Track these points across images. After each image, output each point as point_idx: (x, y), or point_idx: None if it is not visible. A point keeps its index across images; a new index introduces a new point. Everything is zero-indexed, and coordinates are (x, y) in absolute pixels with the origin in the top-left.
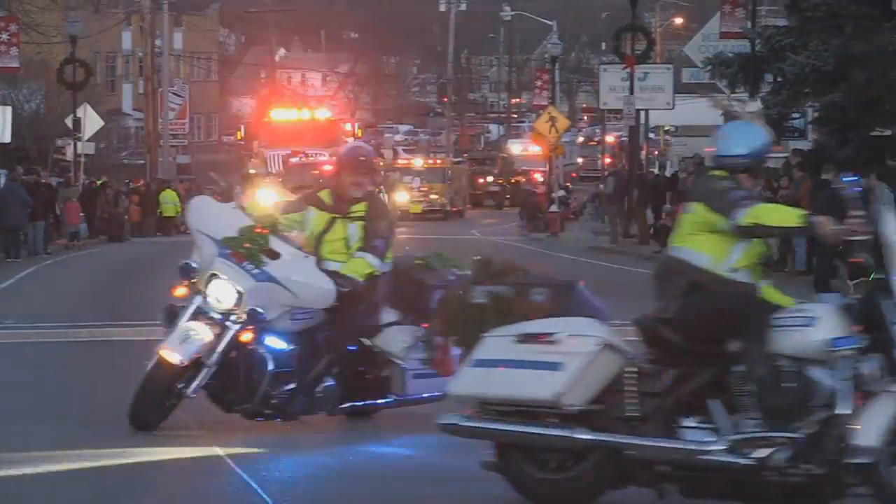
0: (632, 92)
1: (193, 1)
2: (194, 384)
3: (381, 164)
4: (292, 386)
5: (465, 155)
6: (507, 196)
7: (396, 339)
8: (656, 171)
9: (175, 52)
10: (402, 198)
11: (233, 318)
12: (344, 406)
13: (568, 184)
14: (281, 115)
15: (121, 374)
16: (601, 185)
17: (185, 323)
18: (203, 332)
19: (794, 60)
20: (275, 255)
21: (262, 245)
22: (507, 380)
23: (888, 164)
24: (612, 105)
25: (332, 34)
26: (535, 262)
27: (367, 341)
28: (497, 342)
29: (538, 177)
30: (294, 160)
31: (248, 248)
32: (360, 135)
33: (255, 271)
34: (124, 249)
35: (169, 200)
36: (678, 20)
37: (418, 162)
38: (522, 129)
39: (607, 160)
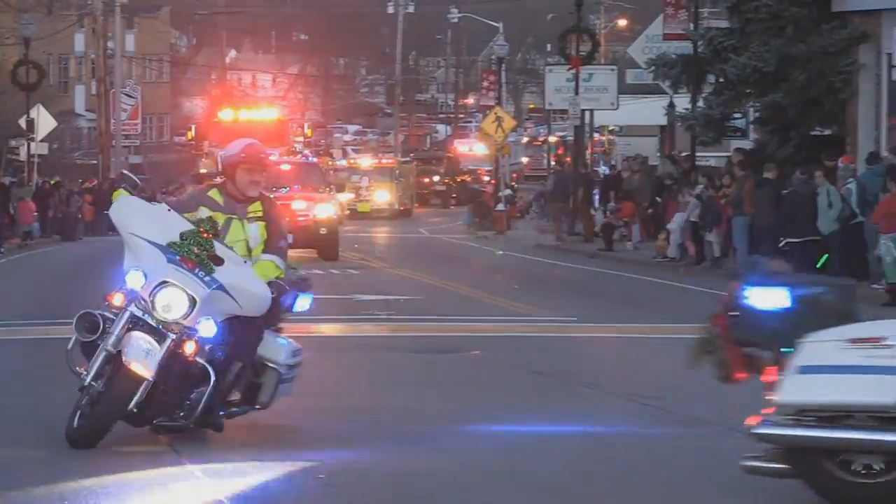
0: (577, 92)
1: (145, 3)
2: (135, 399)
3: (330, 163)
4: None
5: (412, 155)
6: (454, 195)
7: (276, 347)
8: (607, 170)
9: (127, 54)
10: (349, 197)
11: (174, 328)
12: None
13: (514, 183)
14: (231, 115)
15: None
16: (545, 184)
17: (136, 333)
18: (154, 345)
19: (736, 61)
20: (219, 261)
21: (209, 250)
22: (841, 386)
23: (826, 164)
24: (557, 105)
25: (281, 36)
26: (483, 258)
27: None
28: (823, 347)
29: (485, 177)
30: None
31: (198, 254)
32: (309, 134)
33: (207, 279)
34: (77, 248)
35: None
36: (622, 22)
37: (366, 162)
38: (470, 129)
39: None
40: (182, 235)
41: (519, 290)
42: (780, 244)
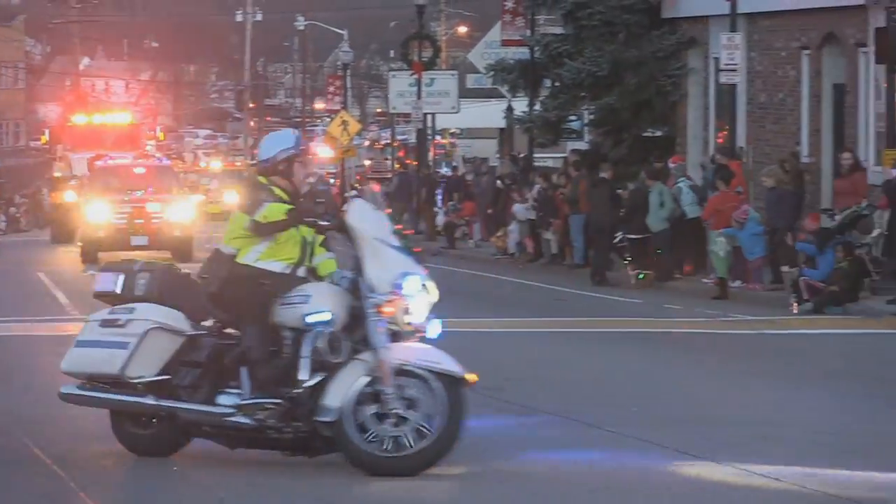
0: (419, 97)
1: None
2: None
3: (181, 167)
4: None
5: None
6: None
7: None
8: (449, 171)
9: None
10: (200, 199)
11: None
12: None
13: (357, 184)
14: (84, 119)
15: None
16: (388, 185)
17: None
18: None
19: (571, 66)
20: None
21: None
22: (87, 358)
23: (655, 165)
24: (401, 109)
25: (133, 44)
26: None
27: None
28: (89, 325)
29: (331, 180)
30: (99, 163)
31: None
32: (162, 138)
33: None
34: None
35: None
36: (462, 29)
37: (216, 165)
38: (317, 132)
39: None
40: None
41: None
42: (616, 240)
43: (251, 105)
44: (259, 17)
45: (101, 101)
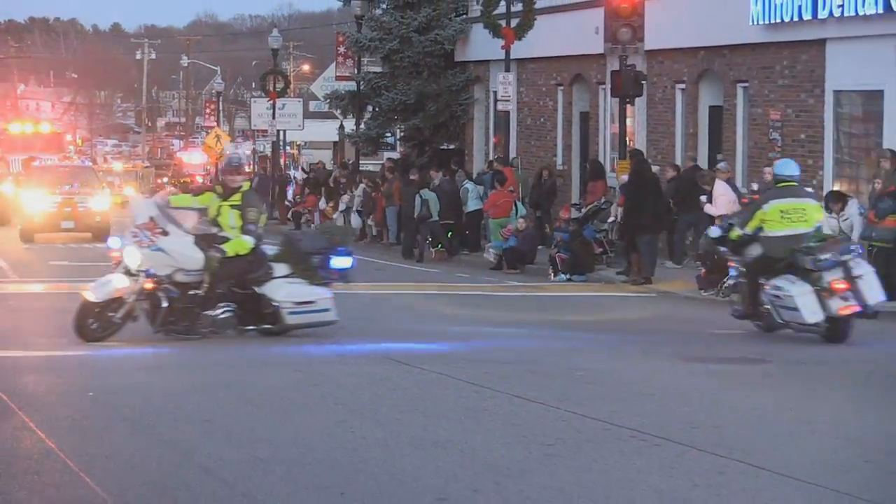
0: (274, 117)
1: None
2: (121, 311)
3: (95, 167)
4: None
5: (149, 162)
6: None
7: (279, 288)
8: (297, 173)
9: None
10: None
11: (140, 273)
12: (247, 328)
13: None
14: (18, 128)
15: None
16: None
17: (109, 275)
18: (118, 281)
19: (388, 96)
20: (165, 234)
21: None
22: None
23: (452, 168)
24: (260, 126)
25: (58, 74)
26: None
27: (257, 289)
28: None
29: (199, 178)
30: (35, 164)
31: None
32: (80, 144)
33: (149, 244)
34: None
35: None
36: (306, 67)
37: (118, 166)
38: (197, 143)
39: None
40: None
41: None
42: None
43: (147, 122)
44: (153, 55)
45: (33, 116)
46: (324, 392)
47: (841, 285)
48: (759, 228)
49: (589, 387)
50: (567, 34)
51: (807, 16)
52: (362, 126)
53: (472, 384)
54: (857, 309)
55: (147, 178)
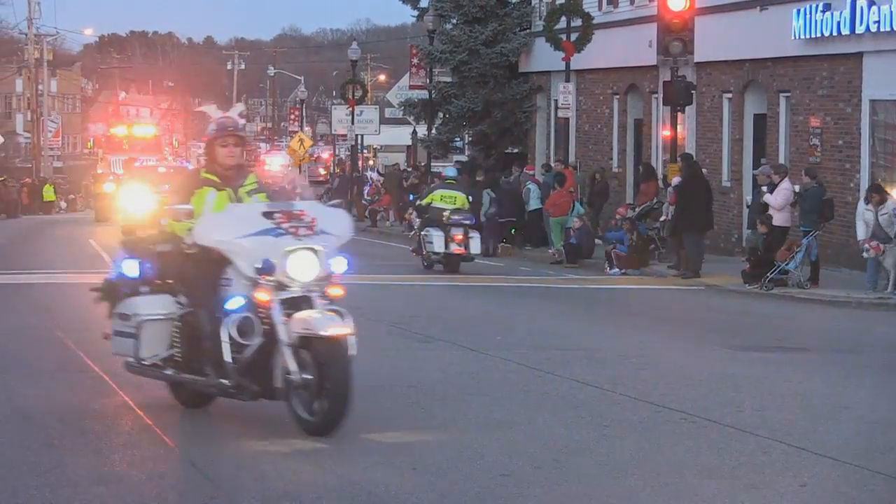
0: (353, 123)
1: (63, 60)
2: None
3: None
4: None
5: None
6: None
7: None
8: (375, 175)
9: (52, 94)
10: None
11: (314, 286)
12: None
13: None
14: (122, 130)
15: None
16: (331, 184)
17: (305, 311)
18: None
19: (457, 104)
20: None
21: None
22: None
23: (513, 170)
24: (340, 131)
25: (156, 83)
26: None
27: None
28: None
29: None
30: (136, 164)
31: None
32: (177, 146)
33: (305, 230)
34: (17, 222)
35: (48, 191)
36: (382, 77)
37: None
38: (282, 146)
39: (322, 170)
40: (264, 214)
41: None
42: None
43: None
44: (243, 66)
45: (133, 120)
46: (397, 375)
47: None
48: None
49: (641, 372)
50: (622, 47)
51: (845, 31)
52: (433, 131)
53: (534, 369)
54: None
55: None
